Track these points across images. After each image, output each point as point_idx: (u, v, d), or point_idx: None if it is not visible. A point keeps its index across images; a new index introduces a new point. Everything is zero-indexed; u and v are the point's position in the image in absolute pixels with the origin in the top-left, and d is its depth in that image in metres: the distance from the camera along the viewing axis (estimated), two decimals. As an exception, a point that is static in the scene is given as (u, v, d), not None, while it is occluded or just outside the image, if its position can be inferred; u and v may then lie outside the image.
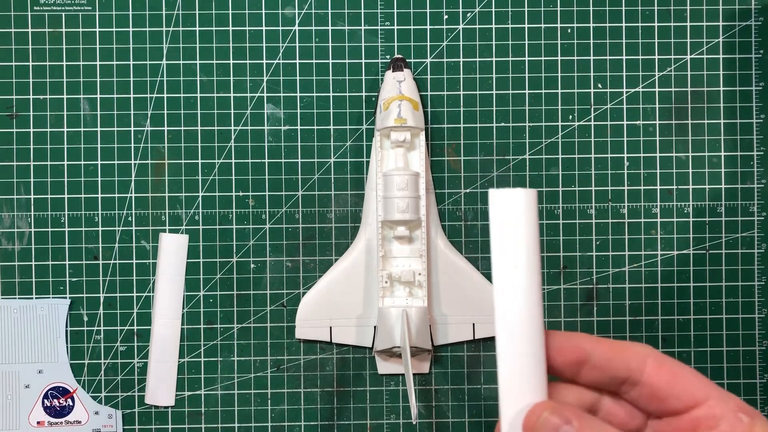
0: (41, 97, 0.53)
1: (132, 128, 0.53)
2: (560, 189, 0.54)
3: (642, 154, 0.54)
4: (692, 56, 0.54)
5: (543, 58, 0.54)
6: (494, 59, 0.54)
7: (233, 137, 0.54)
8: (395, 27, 0.54)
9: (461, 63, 0.54)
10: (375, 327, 0.52)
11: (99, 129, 0.53)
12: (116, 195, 0.53)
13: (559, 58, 0.54)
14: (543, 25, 0.54)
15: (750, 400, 0.54)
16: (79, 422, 0.53)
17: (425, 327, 0.50)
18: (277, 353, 0.54)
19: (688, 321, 0.54)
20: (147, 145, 0.53)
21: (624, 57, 0.54)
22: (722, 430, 0.26)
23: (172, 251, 0.53)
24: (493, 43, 0.54)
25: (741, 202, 0.54)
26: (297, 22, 0.54)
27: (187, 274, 0.53)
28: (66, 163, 0.53)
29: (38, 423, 0.53)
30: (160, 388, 0.53)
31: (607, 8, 0.54)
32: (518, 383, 0.27)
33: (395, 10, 0.54)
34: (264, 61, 0.54)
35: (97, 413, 0.53)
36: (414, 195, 0.50)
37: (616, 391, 0.28)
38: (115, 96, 0.53)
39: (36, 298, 0.53)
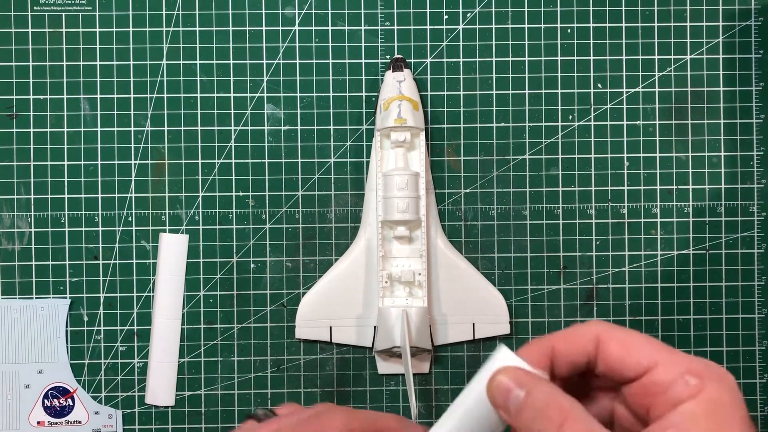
0: (41, 97, 0.53)
1: (132, 128, 0.53)
2: (560, 189, 0.54)
3: (642, 154, 0.54)
4: (692, 56, 0.54)
5: (543, 58, 0.54)
6: (494, 59, 0.54)
7: (233, 137, 0.54)
8: (395, 27, 0.54)
9: (461, 63, 0.54)
10: (375, 327, 0.52)
11: (99, 129, 0.53)
12: (116, 195, 0.53)
13: (559, 58, 0.54)
14: (543, 25, 0.54)
15: (750, 399, 0.54)
16: (79, 422, 0.53)
17: (425, 327, 0.50)
18: (277, 353, 0.54)
19: (688, 321, 0.54)
20: (147, 145, 0.53)
21: (624, 57, 0.54)
22: (670, 395, 0.25)
23: (172, 251, 0.53)
24: (493, 43, 0.54)
25: (741, 202, 0.54)
26: (297, 22, 0.54)
27: (187, 274, 0.53)
28: (66, 163, 0.53)
29: (38, 423, 0.53)
30: (160, 388, 0.53)
31: (607, 8, 0.54)
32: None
33: (395, 11, 0.54)
34: (264, 61, 0.54)
35: (97, 413, 0.53)
36: (414, 195, 0.50)
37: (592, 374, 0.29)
38: (115, 96, 0.53)
39: (36, 298, 0.53)
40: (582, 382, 0.29)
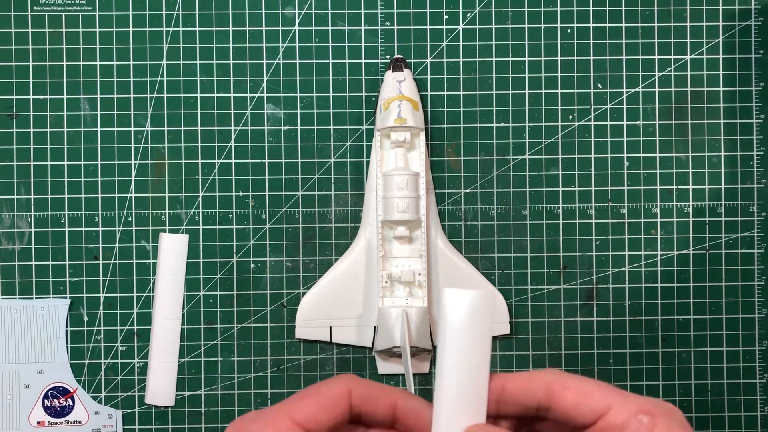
0: (41, 97, 0.53)
1: (132, 128, 0.53)
2: (560, 189, 0.54)
3: (642, 154, 0.54)
4: (692, 56, 0.54)
5: (543, 58, 0.54)
6: (494, 59, 0.54)
7: (233, 137, 0.54)
8: (395, 27, 0.54)
9: (461, 63, 0.54)
10: (375, 327, 0.52)
11: (99, 129, 0.53)
12: (116, 195, 0.53)
13: (559, 58, 0.54)
14: (543, 25, 0.54)
15: (750, 400, 0.54)
16: (79, 422, 0.53)
17: (425, 327, 0.50)
18: (277, 353, 0.54)
19: (688, 321, 0.54)
20: (147, 145, 0.53)
21: (624, 57, 0.54)
22: None
23: (172, 251, 0.53)
24: (493, 43, 0.54)
25: (741, 202, 0.54)
26: (297, 22, 0.54)
27: (187, 274, 0.53)
28: (66, 163, 0.53)
29: (38, 423, 0.53)
30: (160, 388, 0.53)
31: (607, 8, 0.54)
32: (460, 403, 0.28)
33: (395, 10, 0.54)
34: (264, 61, 0.54)
35: (97, 413, 0.53)
36: (414, 195, 0.50)
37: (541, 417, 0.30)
38: (115, 96, 0.53)
39: (36, 298, 0.53)
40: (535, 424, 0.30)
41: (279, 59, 0.54)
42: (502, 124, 0.54)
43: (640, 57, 0.54)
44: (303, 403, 0.29)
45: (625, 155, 0.54)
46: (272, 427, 0.28)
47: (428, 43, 0.54)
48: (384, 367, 0.53)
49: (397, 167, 0.51)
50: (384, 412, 0.29)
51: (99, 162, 0.53)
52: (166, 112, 0.53)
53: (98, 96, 0.53)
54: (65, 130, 0.53)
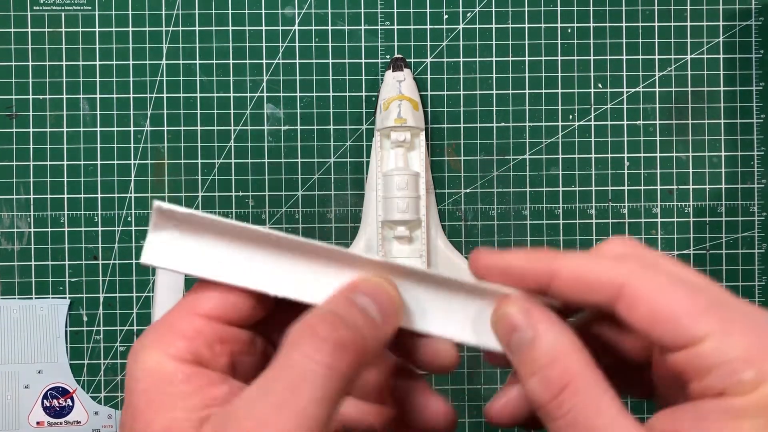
0: (41, 97, 0.53)
1: (132, 128, 0.53)
2: (560, 189, 0.54)
3: (642, 154, 0.54)
4: (692, 56, 0.54)
5: (543, 58, 0.54)
6: (494, 59, 0.54)
7: (233, 137, 0.54)
8: (395, 27, 0.54)
9: (461, 63, 0.54)
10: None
11: (99, 129, 0.53)
12: (116, 195, 0.53)
13: (559, 57, 0.54)
14: (543, 25, 0.54)
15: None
16: (79, 422, 0.53)
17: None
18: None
19: (689, 321, 0.54)
20: (147, 145, 0.53)
21: (624, 57, 0.54)
22: (713, 379, 0.20)
23: (172, 251, 0.53)
24: (493, 42, 0.54)
25: (741, 202, 0.54)
26: (297, 21, 0.54)
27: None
28: (65, 163, 0.53)
29: (38, 423, 0.53)
30: (160, 388, 0.53)
31: (608, 8, 0.54)
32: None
33: (395, 10, 0.54)
34: (264, 61, 0.54)
35: (96, 413, 0.53)
36: (414, 195, 0.50)
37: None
38: (114, 96, 0.53)
39: (35, 298, 0.53)
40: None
41: (279, 59, 0.54)
42: (503, 124, 0.54)
43: (640, 57, 0.54)
44: (209, 289, 0.24)
45: (626, 155, 0.54)
46: (177, 335, 0.23)
47: (428, 43, 0.54)
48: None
49: (397, 167, 0.51)
50: None
51: (99, 162, 0.53)
52: (165, 111, 0.53)
53: (98, 96, 0.53)
54: (65, 130, 0.53)
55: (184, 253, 0.24)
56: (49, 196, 0.53)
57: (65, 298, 0.53)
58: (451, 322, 0.24)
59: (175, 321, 0.23)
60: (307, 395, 0.20)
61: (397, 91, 0.51)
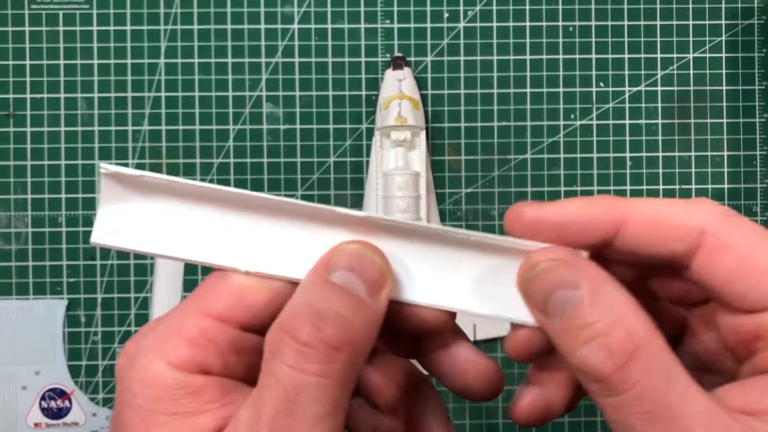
0: (38, 96, 0.53)
1: (130, 127, 0.53)
2: (562, 189, 0.54)
3: (644, 154, 0.54)
4: (695, 55, 0.54)
5: (544, 57, 0.54)
6: (495, 57, 0.54)
7: (232, 137, 0.53)
8: (395, 25, 0.53)
9: (462, 61, 0.54)
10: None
11: (96, 128, 0.53)
12: (114, 195, 0.53)
13: (560, 56, 0.54)
14: (544, 24, 0.54)
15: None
16: (77, 424, 0.53)
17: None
18: (276, 354, 0.53)
19: (691, 322, 0.54)
20: (145, 144, 0.53)
21: (626, 55, 0.54)
22: None
23: (171, 251, 0.53)
24: (494, 41, 0.54)
25: (744, 202, 0.54)
26: (296, 20, 0.53)
27: (185, 274, 0.53)
28: (63, 162, 0.53)
29: (35, 425, 0.53)
30: (158, 389, 0.53)
31: (609, 6, 0.54)
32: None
33: (395, 8, 0.53)
34: (263, 60, 0.53)
35: (95, 415, 0.53)
36: (414, 195, 0.50)
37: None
38: (112, 95, 0.53)
39: (33, 298, 0.53)
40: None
41: (278, 57, 0.53)
42: (504, 123, 0.54)
43: (642, 55, 0.54)
44: (223, 284, 0.20)
45: (628, 155, 0.54)
46: (183, 340, 0.19)
47: (429, 42, 0.54)
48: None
49: (398, 167, 0.50)
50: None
51: (96, 161, 0.53)
52: (164, 111, 0.53)
53: (96, 95, 0.53)
54: (62, 129, 0.53)
55: (145, 227, 0.21)
56: (46, 195, 0.53)
57: (63, 298, 0.53)
58: (447, 287, 0.21)
59: (181, 321, 0.19)
60: (304, 415, 0.17)
61: (398, 90, 0.50)
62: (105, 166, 0.20)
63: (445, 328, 0.21)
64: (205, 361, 0.19)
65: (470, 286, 0.21)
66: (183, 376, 0.18)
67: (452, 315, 0.21)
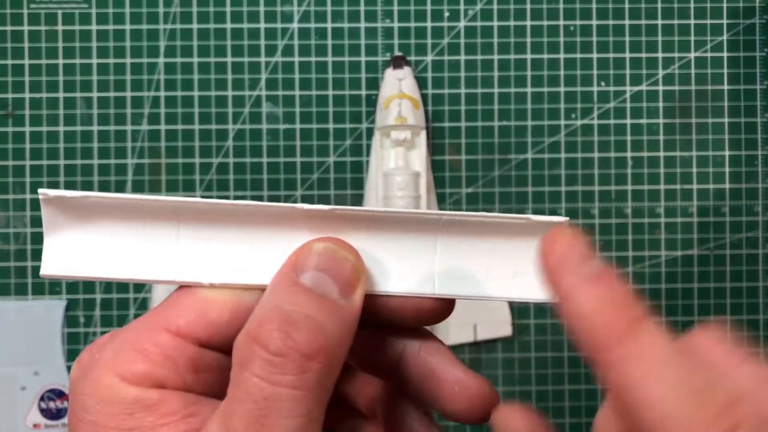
0: (37, 95, 0.53)
1: (129, 127, 0.53)
2: (563, 189, 0.54)
3: (645, 154, 0.54)
4: (696, 54, 0.54)
5: (545, 56, 0.54)
6: (496, 57, 0.54)
7: (231, 136, 0.53)
8: (395, 24, 0.53)
9: (462, 61, 0.53)
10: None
11: (95, 128, 0.53)
12: (113, 195, 0.53)
13: (561, 56, 0.54)
14: (545, 23, 0.54)
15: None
16: (76, 425, 0.53)
17: (426, 328, 0.50)
18: (276, 355, 0.53)
19: (692, 322, 0.54)
20: (144, 144, 0.53)
21: (627, 55, 0.54)
22: None
23: (170, 252, 0.53)
24: (495, 40, 0.54)
25: (745, 202, 0.54)
26: (296, 19, 0.53)
27: (184, 274, 0.53)
28: (62, 162, 0.53)
29: (34, 425, 0.53)
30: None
31: (610, 5, 0.54)
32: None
33: (395, 8, 0.53)
34: (262, 59, 0.53)
35: (93, 416, 0.53)
36: (414, 195, 0.49)
37: None
38: (111, 94, 0.53)
39: (32, 299, 0.53)
40: None
41: (277, 57, 0.53)
42: (504, 123, 0.54)
43: (643, 55, 0.54)
44: (186, 298, 0.19)
45: (629, 154, 0.54)
46: (139, 355, 0.18)
47: (429, 41, 0.53)
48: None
49: (398, 167, 0.50)
50: None
51: (95, 161, 0.53)
52: (163, 110, 0.53)
53: (95, 94, 0.53)
54: (61, 128, 0.53)
55: (96, 251, 0.19)
56: (45, 195, 0.53)
57: (62, 299, 0.53)
58: (424, 273, 0.20)
59: (138, 335, 0.18)
60: (277, 429, 0.16)
61: (398, 90, 0.50)
62: (44, 192, 0.19)
63: (428, 315, 0.21)
64: (161, 377, 0.18)
65: (447, 269, 0.20)
66: (137, 391, 0.18)
67: (434, 302, 0.20)
